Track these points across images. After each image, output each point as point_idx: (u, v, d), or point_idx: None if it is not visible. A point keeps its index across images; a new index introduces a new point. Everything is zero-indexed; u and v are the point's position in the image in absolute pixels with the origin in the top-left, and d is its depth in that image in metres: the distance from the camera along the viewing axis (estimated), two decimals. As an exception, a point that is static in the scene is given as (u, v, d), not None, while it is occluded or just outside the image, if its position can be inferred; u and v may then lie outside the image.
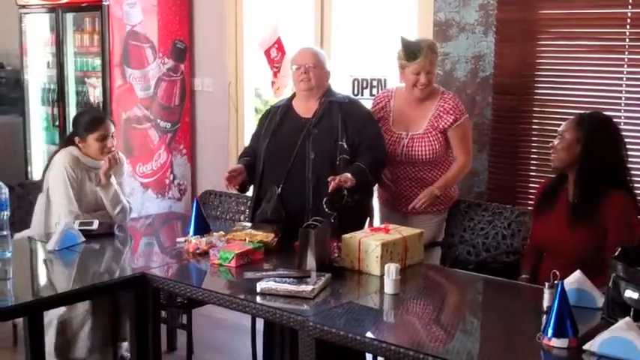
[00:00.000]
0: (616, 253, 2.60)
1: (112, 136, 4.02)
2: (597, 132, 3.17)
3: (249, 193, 3.92)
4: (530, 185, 4.53)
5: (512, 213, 3.89)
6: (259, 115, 6.47)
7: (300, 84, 3.73)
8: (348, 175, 3.47)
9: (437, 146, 3.84)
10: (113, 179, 3.98)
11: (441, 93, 3.93)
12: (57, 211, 3.89)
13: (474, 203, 4.07)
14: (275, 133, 3.76)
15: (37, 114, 6.48)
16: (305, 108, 3.75)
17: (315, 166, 3.59)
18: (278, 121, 3.79)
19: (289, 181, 3.63)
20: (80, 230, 3.60)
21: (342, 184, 3.45)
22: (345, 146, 3.61)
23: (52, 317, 3.70)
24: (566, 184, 3.29)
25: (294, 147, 3.64)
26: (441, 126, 3.85)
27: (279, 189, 3.62)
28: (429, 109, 3.88)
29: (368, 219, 3.83)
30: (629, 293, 2.47)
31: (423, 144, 3.85)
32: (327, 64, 3.82)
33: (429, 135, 3.85)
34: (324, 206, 3.52)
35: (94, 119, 4.04)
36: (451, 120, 3.84)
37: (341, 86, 5.10)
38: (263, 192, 3.72)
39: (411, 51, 3.79)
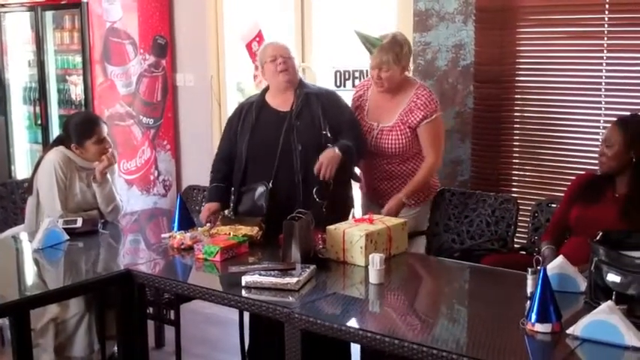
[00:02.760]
0: (598, 237, 2.62)
1: (107, 136, 4.01)
2: None
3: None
4: (513, 172, 4.55)
5: (495, 200, 3.92)
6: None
7: (280, 75, 3.70)
8: (334, 151, 3.51)
9: (404, 141, 3.80)
10: (109, 177, 3.98)
11: (416, 87, 3.84)
12: (45, 210, 3.88)
13: (457, 191, 4.09)
14: (254, 131, 3.72)
15: (19, 113, 6.47)
16: (281, 102, 3.74)
17: (303, 158, 3.60)
18: (254, 117, 3.75)
19: (278, 176, 3.63)
20: (64, 228, 3.59)
21: (331, 164, 3.49)
22: (330, 135, 3.63)
23: (47, 318, 3.69)
24: (610, 180, 3.31)
25: (278, 142, 3.64)
26: (410, 121, 3.79)
27: (270, 184, 3.61)
28: (401, 102, 3.83)
29: (352, 210, 3.84)
30: (611, 277, 2.49)
31: (391, 137, 3.81)
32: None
33: (398, 129, 3.81)
34: (315, 196, 3.53)
35: (88, 124, 4.01)
36: (420, 116, 3.77)
37: (323, 78, 5.11)
38: (247, 188, 3.71)
39: (367, 46, 3.80)
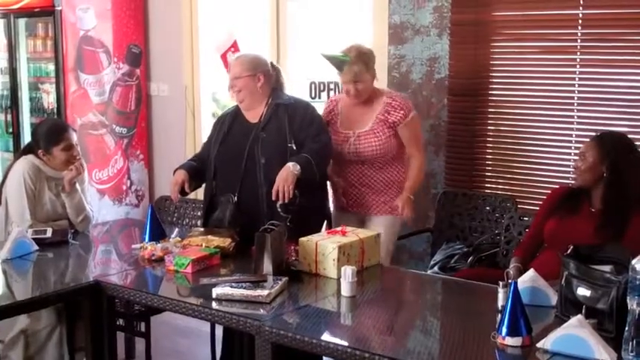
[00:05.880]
0: (568, 252, 2.63)
1: (76, 144, 3.96)
2: (620, 150, 3.25)
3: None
4: (487, 185, 4.57)
5: (494, 198, 4.33)
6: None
7: (235, 98, 3.75)
8: (289, 170, 3.44)
9: (384, 139, 3.82)
10: (78, 187, 3.92)
11: (386, 93, 3.95)
12: (14, 220, 3.83)
13: (459, 193, 4.45)
14: (224, 140, 3.72)
15: (-10, 120, 6.38)
16: (253, 113, 3.71)
17: (267, 171, 3.55)
18: (227, 127, 3.75)
19: (243, 188, 3.60)
20: (33, 239, 3.54)
21: (286, 186, 3.42)
22: (294, 148, 3.57)
23: (18, 330, 3.64)
24: (587, 195, 3.33)
25: (244, 153, 3.61)
26: (390, 120, 3.83)
27: (235, 197, 3.59)
28: (375, 108, 3.87)
29: (325, 222, 3.82)
30: (582, 291, 2.50)
31: (370, 139, 3.82)
32: (259, 67, 3.69)
33: (376, 130, 3.83)
34: (279, 210, 3.49)
35: (56, 130, 3.96)
36: (400, 115, 3.82)
37: (298, 89, 5.10)
38: (216, 198, 3.69)
39: (335, 64, 3.82)
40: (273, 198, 3.44)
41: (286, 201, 3.44)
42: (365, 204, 3.92)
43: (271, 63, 3.81)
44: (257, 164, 3.58)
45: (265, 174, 3.55)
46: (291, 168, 3.45)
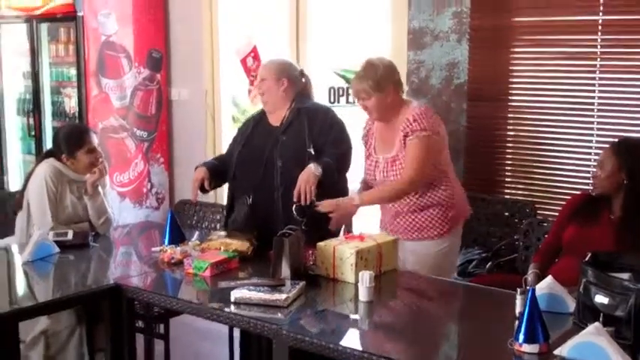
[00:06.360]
0: (587, 259, 2.62)
1: (98, 147, 4.01)
2: (638, 157, 3.24)
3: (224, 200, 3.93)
4: (506, 191, 4.56)
5: (513, 204, 4.32)
6: (236, 124, 6.47)
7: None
8: (311, 171, 3.45)
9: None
10: (100, 189, 3.96)
11: (411, 107, 3.54)
12: (36, 223, 3.87)
13: (478, 197, 4.33)
14: (247, 143, 3.78)
15: (13, 124, 6.45)
16: (275, 116, 3.76)
17: (283, 174, 3.59)
18: (250, 130, 3.81)
19: (260, 190, 3.63)
20: (55, 241, 3.58)
21: (308, 187, 3.42)
22: (313, 152, 3.59)
23: (38, 331, 3.67)
24: (607, 202, 3.33)
25: (263, 155, 3.65)
26: (404, 140, 3.49)
27: (250, 199, 3.63)
28: (398, 127, 3.52)
29: (343, 226, 3.82)
30: (600, 298, 2.49)
31: (396, 167, 3.54)
32: (284, 72, 3.73)
33: (400, 158, 3.52)
34: (294, 213, 3.49)
35: (78, 134, 4.02)
36: (413, 127, 3.45)
37: (317, 94, 5.11)
38: (235, 200, 3.73)
39: (346, 81, 3.77)
40: (295, 199, 3.46)
41: (308, 202, 3.45)
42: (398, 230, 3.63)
43: (301, 71, 3.85)
44: (274, 167, 3.62)
45: (282, 177, 3.59)
46: (313, 169, 3.47)
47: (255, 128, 3.81)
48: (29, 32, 5.97)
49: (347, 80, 3.77)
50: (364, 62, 3.59)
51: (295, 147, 3.62)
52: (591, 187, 3.41)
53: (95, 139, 4.02)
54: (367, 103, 3.54)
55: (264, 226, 3.43)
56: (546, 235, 3.67)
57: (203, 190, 3.78)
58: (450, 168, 3.67)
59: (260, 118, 3.84)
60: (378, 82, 3.50)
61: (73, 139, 3.96)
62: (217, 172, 3.81)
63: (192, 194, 3.82)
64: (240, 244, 3.39)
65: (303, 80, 3.82)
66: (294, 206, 3.48)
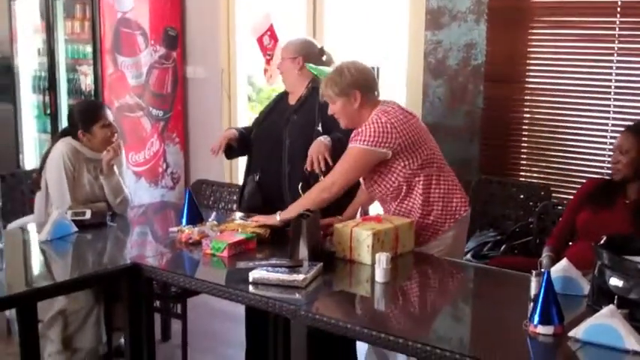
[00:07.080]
0: (601, 242, 2.63)
1: (113, 122, 4.03)
2: None
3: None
4: (521, 174, 4.56)
5: (528, 187, 4.36)
6: (252, 103, 6.49)
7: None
8: (321, 141, 3.45)
9: (382, 177, 3.34)
10: (115, 169, 3.98)
11: (372, 115, 3.28)
12: (54, 202, 3.89)
13: (494, 180, 4.43)
14: (264, 119, 3.86)
15: (28, 102, 6.47)
16: (294, 95, 3.82)
17: (291, 153, 3.63)
18: (270, 108, 3.89)
19: (267, 168, 3.69)
20: (73, 220, 3.59)
21: (320, 155, 3.41)
22: (322, 131, 3.60)
23: (56, 310, 3.71)
24: (621, 187, 3.34)
25: (275, 133, 3.70)
26: None
27: (257, 176, 3.68)
28: None
29: (360, 208, 3.83)
30: (614, 281, 2.50)
31: (366, 183, 3.42)
32: (301, 51, 3.74)
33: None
34: (300, 192, 3.48)
35: (93, 108, 4.04)
36: (355, 134, 3.27)
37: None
38: (246, 178, 3.82)
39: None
40: (308, 168, 3.46)
41: (323, 169, 3.42)
42: None
43: (321, 48, 3.84)
44: (283, 145, 3.66)
45: (290, 154, 3.63)
46: (322, 139, 3.49)
47: (275, 107, 3.88)
48: (45, 9, 5.97)
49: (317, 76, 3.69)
50: (335, 67, 3.42)
51: (303, 125, 3.65)
52: (612, 172, 3.39)
53: (110, 115, 4.03)
54: (333, 108, 3.35)
55: (271, 203, 3.43)
56: (560, 219, 3.68)
57: (227, 153, 3.84)
58: (439, 164, 3.42)
59: (282, 97, 3.90)
60: (342, 88, 3.28)
61: (89, 113, 3.97)
62: (243, 140, 3.87)
63: (216, 145, 3.82)
64: (259, 227, 3.40)
65: (324, 58, 3.80)
66: (299, 185, 3.51)
